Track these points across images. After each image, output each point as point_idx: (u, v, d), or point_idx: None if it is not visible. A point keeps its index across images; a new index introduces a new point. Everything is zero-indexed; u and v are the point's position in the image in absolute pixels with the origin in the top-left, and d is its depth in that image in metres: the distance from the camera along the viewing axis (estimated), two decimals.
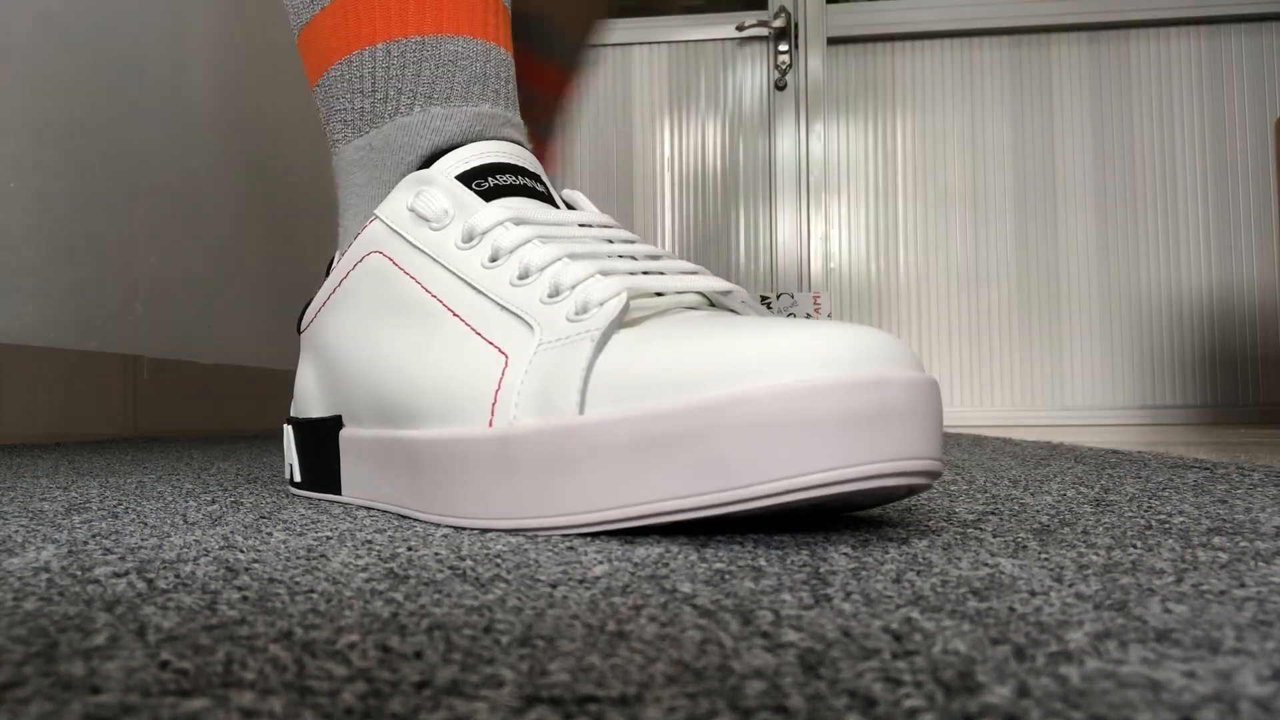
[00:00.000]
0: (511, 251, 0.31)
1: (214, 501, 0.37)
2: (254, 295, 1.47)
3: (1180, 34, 2.09)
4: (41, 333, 1.04)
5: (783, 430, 0.23)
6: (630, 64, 2.21)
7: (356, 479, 0.35)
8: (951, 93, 2.15)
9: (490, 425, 0.28)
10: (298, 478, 0.39)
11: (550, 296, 0.29)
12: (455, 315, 0.31)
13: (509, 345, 0.29)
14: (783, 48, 2.15)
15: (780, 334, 0.24)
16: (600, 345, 0.27)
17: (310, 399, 0.39)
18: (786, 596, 0.18)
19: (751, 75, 2.20)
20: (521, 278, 0.30)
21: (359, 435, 0.35)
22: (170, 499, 0.38)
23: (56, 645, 0.15)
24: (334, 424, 0.37)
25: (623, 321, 0.28)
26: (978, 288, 2.14)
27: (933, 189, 2.16)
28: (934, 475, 0.24)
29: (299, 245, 1.57)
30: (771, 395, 0.23)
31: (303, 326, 0.40)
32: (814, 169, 2.16)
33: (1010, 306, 2.13)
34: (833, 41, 2.17)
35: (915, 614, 0.17)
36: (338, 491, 0.36)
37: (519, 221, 0.32)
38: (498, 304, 0.30)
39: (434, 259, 0.33)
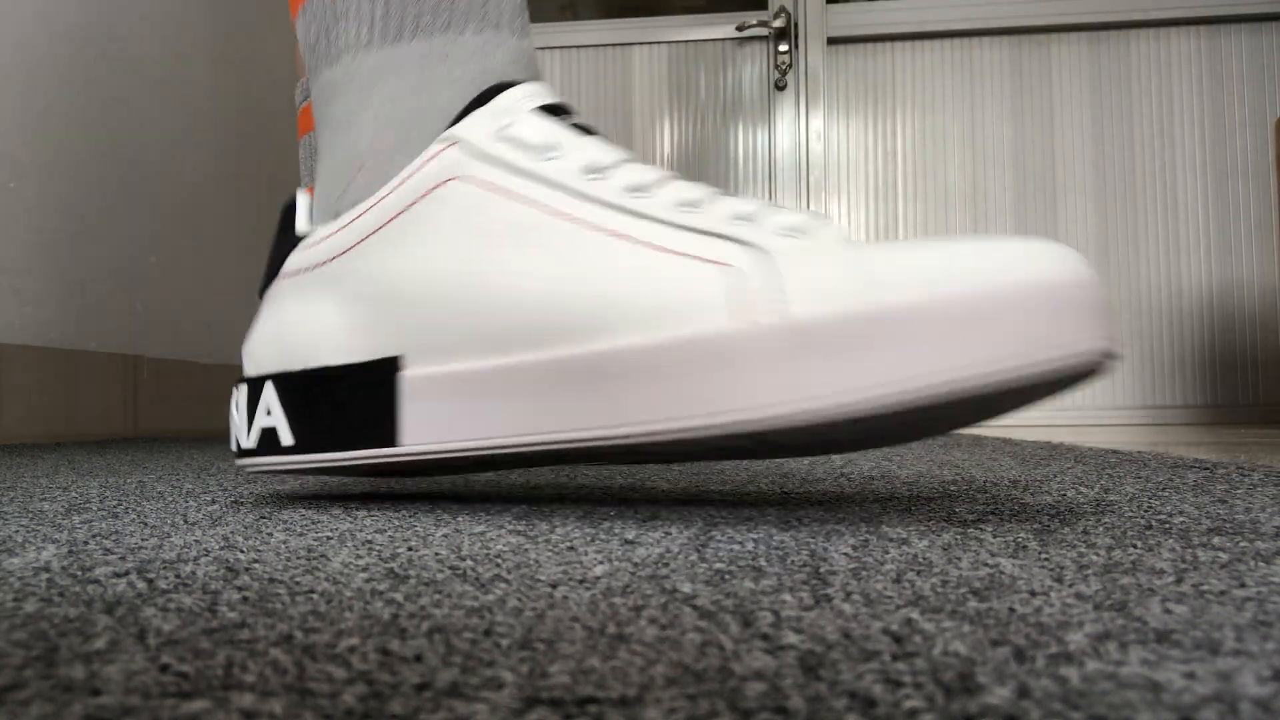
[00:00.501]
0: (655, 185, 0.31)
1: (214, 501, 0.37)
2: (254, 295, 1.47)
3: (1180, 34, 2.09)
4: (41, 333, 1.04)
5: (1065, 312, 0.26)
6: (630, 64, 2.21)
7: (442, 421, 0.31)
8: (951, 93, 2.15)
9: (739, 321, 0.27)
10: (288, 440, 0.34)
11: (739, 219, 0.30)
12: (619, 235, 0.30)
13: (705, 253, 0.29)
14: (783, 48, 2.15)
15: (1010, 242, 0.27)
16: (852, 244, 0.28)
17: (326, 344, 0.34)
18: (786, 597, 0.18)
19: (751, 75, 2.20)
20: (683, 205, 0.31)
21: (455, 371, 0.31)
22: (170, 499, 0.38)
23: (57, 647, 0.15)
24: (385, 367, 0.33)
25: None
26: None
27: (933, 189, 2.16)
28: (1108, 359, 0.27)
29: None
30: (1057, 281, 0.26)
31: (311, 263, 0.35)
32: (814, 169, 2.16)
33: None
34: (833, 41, 2.17)
35: (915, 615, 0.17)
36: (385, 442, 0.32)
37: (630, 159, 0.32)
38: (671, 224, 0.30)
39: (560, 189, 0.31)
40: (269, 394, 0.35)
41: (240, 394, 0.36)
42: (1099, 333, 0.26)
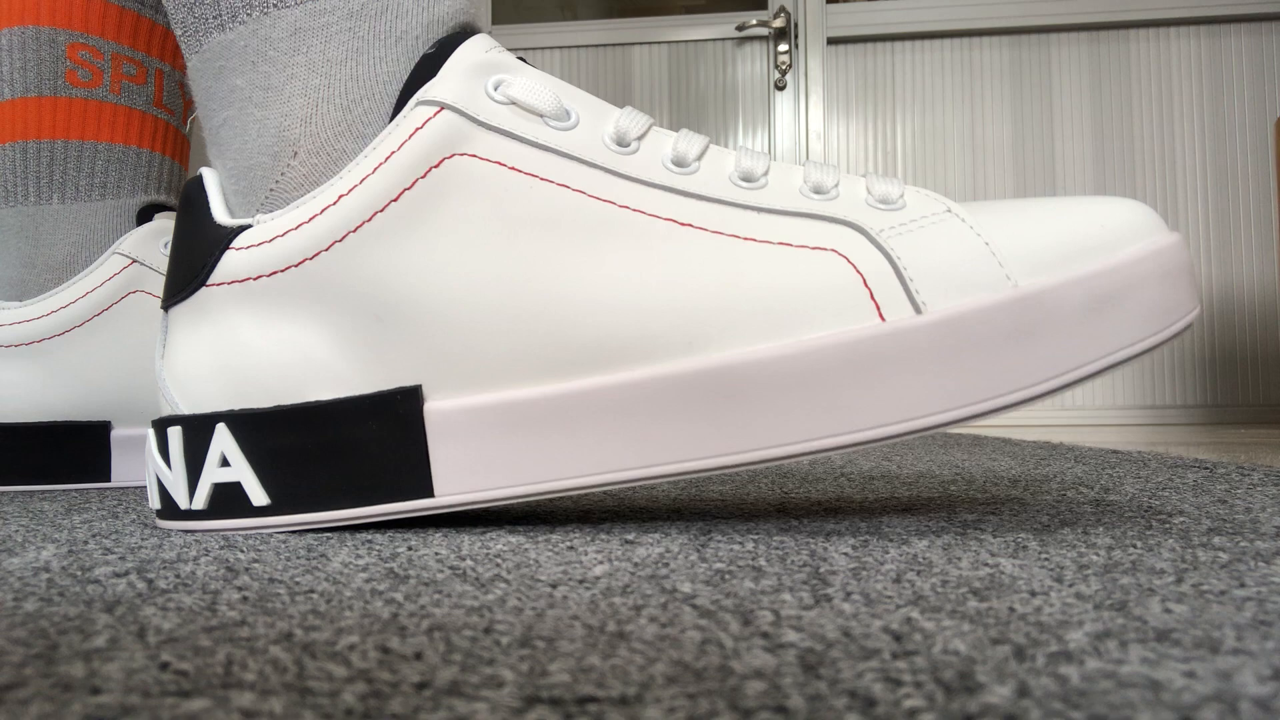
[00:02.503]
0: (699, 157, 0.28)
1: None
2: None
3: (1180, 34, 2.09)
4: None
5: (1176, 278, 0.27)
6: (630, 64, 2.21)
7: (490, 463, 0.26)
8: (951, 92, 2.15)
9: (883, 319, 0.25)
10: (260, 499, 0.27)
11: (818, 193, 0.27)
12: (698, 228, 0.26)
13: (825, 242, 0.26)
14: (783, 48, 2.15)
15: (1107, 204, 0.27)
16: (948, 213, 0.27)
17: (310, 373, 0.27)
18: (786, 596, 0.18)
19: (751, 75, 2.20)
20: (747, 180, 0.27)
21: (504, 400, 0.26)
22: None
23: (57, 646, 0.15)
24: (405, 400, 0.27)
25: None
26: None
27: (933, 189, 2.16)
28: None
29: None
30: (1165, 249, 0.26)
31: (266, 267, 0.28)
32: None
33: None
34: (833, 41, 2.17)
35: (915, 614, 0.17)
36: (416, 493, 0.27)
37: (653, 124, 0.29)
38: (760, 209, 0.27)
39: (595, 165, 0.27)
40: (223, 439, 0.28)
41: (171, 438, 0.28)
42: (1196, 293, 0.28)
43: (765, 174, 0.28)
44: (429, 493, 0.27)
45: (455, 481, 0.27)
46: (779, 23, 2.15)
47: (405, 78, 0.28)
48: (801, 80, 2.17)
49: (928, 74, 2.17)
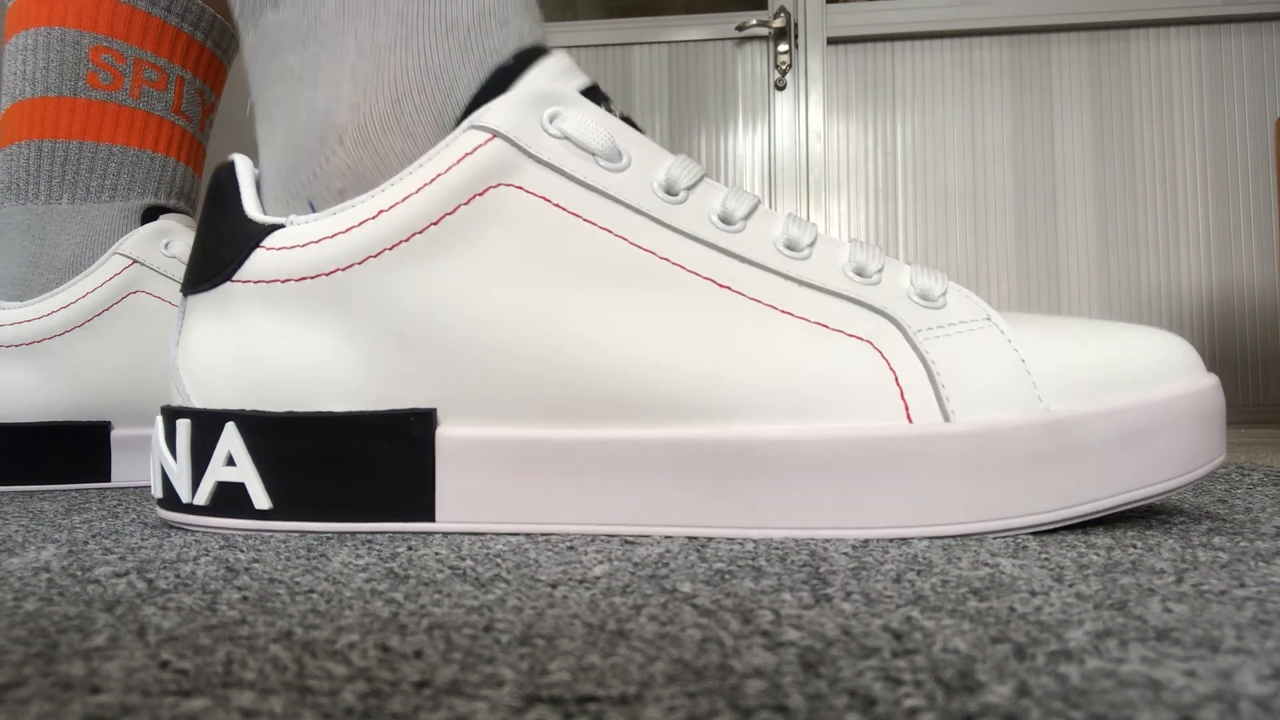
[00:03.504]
0: (747, 217, 0.27)
1: None
2: None
3: (1180, 34, 2.09)
4: None
5: (1208, 422, 0.27)
6: (630, 64, 2.21)
7: (492, 495, 0.26)
8: (951, 93, 2.15)
9: (911, 421, 0.25)
10: (263, 503, 0.27)
11: (860, 275, 0.27)
12: (735, 292, 0.26)
13: (862, 331, 0.26)
14: (783, 48, 2.15)
15: (1151, 338, 0.27)
16: (1006, 332, 0.27)
17: (326, 384, 0.27)
18: (787, 596, 0.18)
19: (751, 75, 2.20)
20: (791, 248, 0.27)
21: (517, 436, 0.26)
22: None
23: (57, 645, 0.15)
24: (419, 422, 0.27)
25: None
26: (978, 287, 2.14)
27: (933, 189, 2.16)
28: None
29: None
30: (1201, 392, 0.27)
31: (296, 272, 0.27)
32: (814, 169, 2.16)
33: (1010, 306, 2.13)
34: (833, 41, 2.17)
35: (915, 613, 0.17)
36: (417, 516, 0.27)
37: (704, 175, 0.28)
38: (800, 282, 0.27)
39: (636, 210, 0.26)
40: (231, 438, 0.27)
41: (179, 430, 0.28)
42: (1223, 441, 0.28)
43: (811, 245, 0.28)
44: (430, 516, 0.27)
45: (458, 509, 0.27)
46: (779, 23, 2.15)
47: (456, 71, 0.28)
48: (801, 80, 2.17)
49: (928, 74, 2.17)
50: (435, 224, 0.26)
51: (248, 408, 0.28)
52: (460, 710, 0.12)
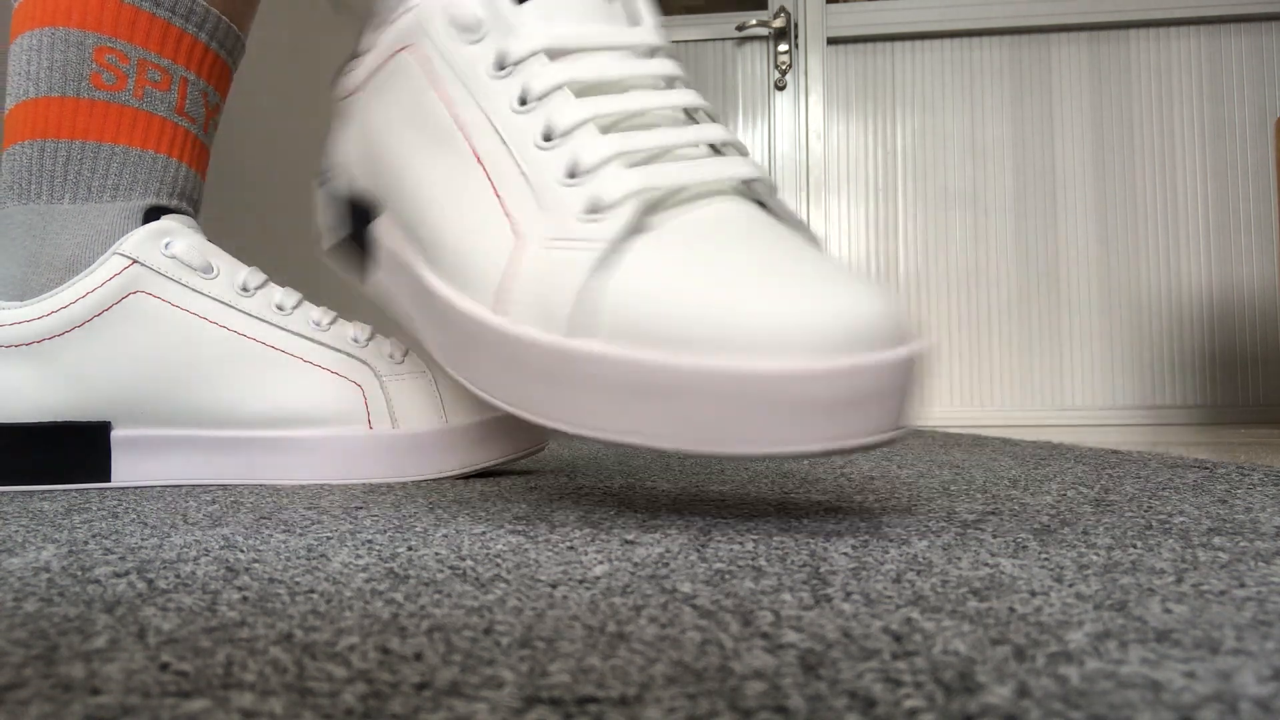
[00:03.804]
0: (541, 99, 0.29)
1: (214, 501, 0.37)
2: None
3: (1180, 34, 2.09)
4: None
5: (759, 408, 0.24)
6: None
7: (385, 275, 0.35)
8: (951, 93, 2.15)
9: (494, 312, 0.28)
10: (329, 242, 0.41)
11: (568, 177, 0.28)
12: (479, 162, 0.29)
13: (523, 224, 0.28)
14: (783, 48, 2.15)
15: (778, 298, 0.24)
16: (598, 265, 0.26)
17: (354, 167, 0.37)
18: (786, 597, 0.18)
19: (751, 75, 2.20)
20: (546, 139, 0.28)
21: (393, 235, 0.34)
22: (170, 499, 0.38)
23: (57, 646, 0.15)
24: (373, 208, 0.35)
25: (636, 227, 0.27)
26: (978, 288, 2.14)
27: (933, 189, 2.16)
28: (889, 443, 0.25)
29: (287, 244, 1.57)
30: (756, 376, 0.24)
31: (342, 91, 0.38)
32: (814, 169, 2.16)
33: (1010, 306, 2.13)
34: (833, 41, 2.17)
35: (915, 614, 0.17)
36: (363, 273, 0.38)
37: (557, 53, 0.29)
38: (519, 166, 0.29)
39: (464, 85, 0.30)
40: (319, 197, 0.42)
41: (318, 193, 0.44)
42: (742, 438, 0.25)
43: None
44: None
45: (378, 275, 0.37)
46: (779, 23, 2.15)
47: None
48: (801, 80, 2.17)
49: (928, 74, 2.17)
50: (378, 70, 0.34)
51: (331, 180, 0.40)
52: (460, 711, 0.12)
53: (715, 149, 0.30)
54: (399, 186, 0.33)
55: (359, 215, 0.38)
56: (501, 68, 0.29)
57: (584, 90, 0.29)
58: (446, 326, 0.31)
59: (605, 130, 0.29)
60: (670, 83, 0.31)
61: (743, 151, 0.30)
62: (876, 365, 0.24)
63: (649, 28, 0.31)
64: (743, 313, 0.24)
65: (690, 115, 0.31)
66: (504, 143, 0.29)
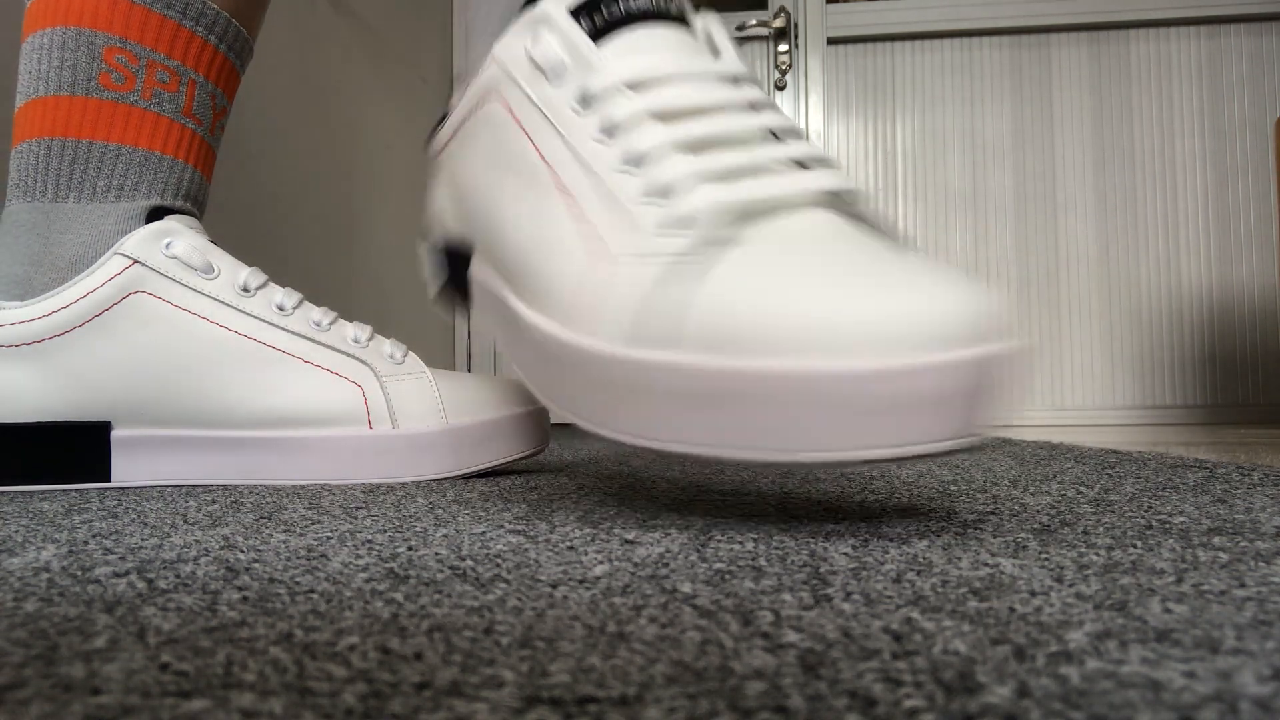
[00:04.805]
0: (622, 126, 0.30)
1: (214, 501, 0.37)
2: None
3: (1180, 34, 2.09)
4: None
5: (822, 409, 0.23)
6: None
7: (479, 310, 0.37)
8: (951, 93, 2.15)
9: (577, 331, 0.28)
10: (433, 290, 0.42)
11: (649, 196, 0.28)
12: (564, 189, 0.30)
13: (604, 242, 0.29)
14: (783, 48, 2.15)
15: (854, 298, 0.24)
16: (682, 277, 0.27)
17: (447, 217, 0.39)
18: (787, 597, 0.18)
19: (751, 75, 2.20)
20: (628, 162, 0.29)
21: (483, 270, 0.36)
22: (170, 499, 0.38)
23: (57, 646, 0.15)
24: (467, 250, 0.37)
25: (723, 240, 0.27)
26: None
27: (933, 188, 2.16)
28: (960, 451, 0.24)
29: (289, 245, 1.58)
30: (819, 376, 0.23)
31: (434, 149, 0.40)
32: None
33: (1010, 306, 2.12)
34: (833, 41, 2.17)
35: (915, 614, 0.17)
36: (467, 312, 0.40)
37: (638, 84, 0.30)
38: (600, 189, 0.29)
39: (550, 121, 0.31)
40: (423, 250, 0.48)
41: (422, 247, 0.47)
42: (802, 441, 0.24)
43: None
44: (469, 314, 0.39)
45: (476, 315, 0.38)
46: (779, 23, 2.15)
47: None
48: (801, 80, 2.17)
49: (928, 74, 2.17)
50: (464, 121, 0.36)
51: (434, 234, 0.41)
52: (460, 711, 0.12)
53: (803, 165, 0.30)
54: (487, 223, 0.34)
55: (456, 260, 0.39)
56: (584, 103, 0.30)
57: (666, 116, 0.30)
58: (533, 349, 0.31)
59: (688, 151, 0.29)
60: (755, 107, 0.31)
61: (832, 165, 0.30)
62: (938, 365, 0.22)
63: (730, 58, 0.32)
64: (817, 313, 0.23)
65: (776, 136, 0.31)
66: (587, 170, 0.30)
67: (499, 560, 0.23)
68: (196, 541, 0.26)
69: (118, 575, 0.21)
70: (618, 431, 0.28)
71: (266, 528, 0.29)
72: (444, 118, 0.39)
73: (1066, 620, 0.16)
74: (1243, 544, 0.24)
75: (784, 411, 0.24)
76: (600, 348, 0.27)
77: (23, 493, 0.42)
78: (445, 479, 0.45)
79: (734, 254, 0.26)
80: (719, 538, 0.26)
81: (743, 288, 0.25)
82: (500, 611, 0.17)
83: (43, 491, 0.43)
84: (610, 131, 0.30)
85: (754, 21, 2.16)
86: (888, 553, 0.23)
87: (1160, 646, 0.14)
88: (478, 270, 0.36)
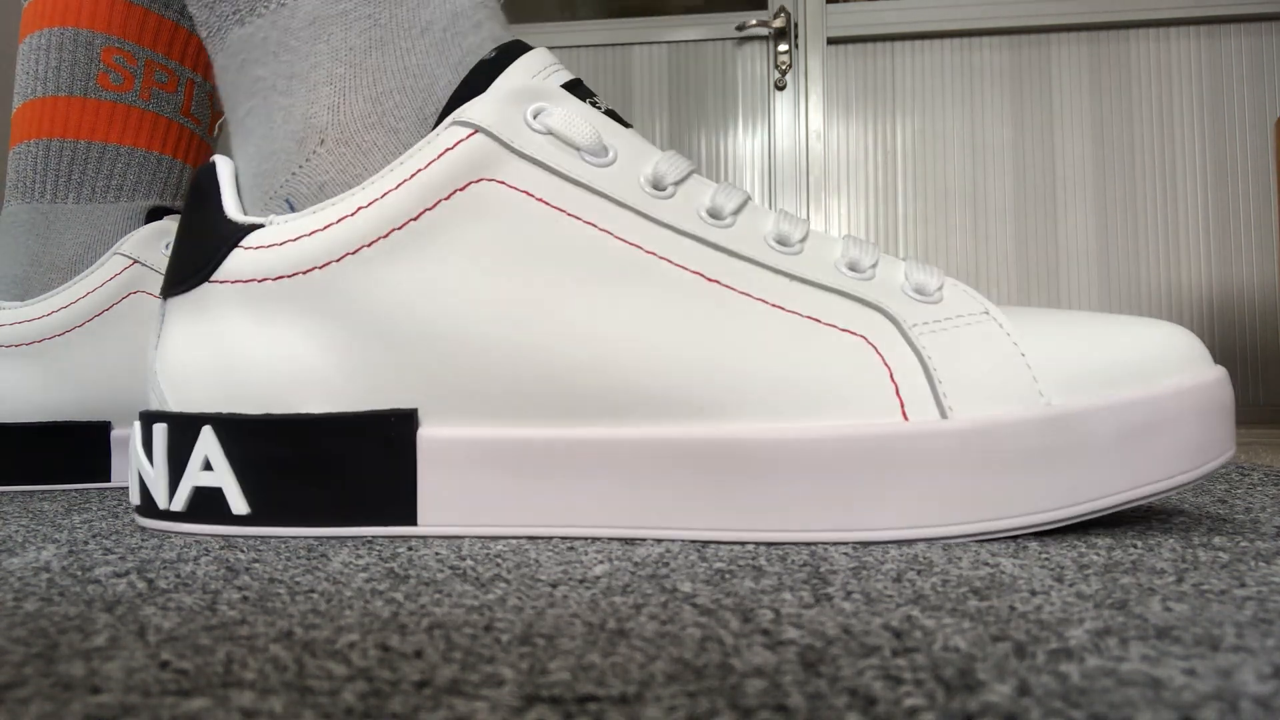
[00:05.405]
0: (737, 213, 0.27)
1: None
2: None
3: (1180, 34, 2.09)
4: None
5: (1215, 416, 0.26)
6: (630, 64, 2.21)
7: (475, 497, 0.26)
8: (951, 93, 2.15)
9: (906, 418, 0.24)
10: (240, 508, 0.27)
11: (853, 270, 0.27)
12: (725, 286, 0.26)
13: (856, 326, 0.25)
14: (783, 48, 2.15)
15: (1154, 330, 0.27)
16: (986, 315, 0.26)
17: (304, 384, 0.27)
18: (787, 595, 0.18)
19: (751, 75, 2.20)
20: (782, 243, 0.27)
21: (504, 436, 0.26)
22: None
23: (57, 645, 0.15)
24: (400, 422, 0.26)
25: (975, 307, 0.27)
26: (978, 287, 2.14)
27: (933, 189, 2.16)
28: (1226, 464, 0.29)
29: None
30: (1207, 385, 0.26)
31: (274, 270, 0.27)
32: (814, 169, 2.16)
33: (1010, 306, 2.13)
34: (833, 41, 2.17)
35: (916, 612, 0.17)
36: (399, 519, 0.26)
37: (692, 169, 0.28)
38: (792, 277, 0.26)
39: (621, 204, 0.26)
40: (208, 442, 0.27)
41: (156, 435, 0.28)
42: (1232, 436, 0.27)
43: (803, 240, 0.27)
44: (412, 520, 0.26)
45: (440, 512, 0.26)
46: (779, 23, 2.15)
47: (435, 70, 0.28)
48: (801, 80, 2.17)
49: (928, 74, 2.17)
50: (415, 219, 0.26)
51: (225, 410, 0.27)
52: (460, 710, 0.12)
53: None
54: (520, 350, 0.26)
55: (342, 449, 0.27)
56: (661, 188, 0.27)
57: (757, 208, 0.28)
58: (818, 469, 0.24)
59: (822, 236, 0.29)
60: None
61: None
62: (1220, 379, 0.26)
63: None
64: (1166, 341, 0.26)
65: None
66: (737, 256, 0.26)
67: (499, 560, 0.23)
68: (196, 541, 0.26)
69: (118, 575, 0.21)
70: (1032, 513, 0.24)
71: None
72: (212, 222, 0.28)
73: (1067, 618, 0.16)
74: (1243, 544, 0.24)
75: (1203, 421, 0.26)
76: (1039, 413, 0.24)
77: (23, 493, 0.42)
78: None
79: (1010, 312, 0.27)
80: (717, 540, 0.26)
81: (1062, 332, 0.26)
82: (500, 610, 0.17)
83: (43, 491, 0.43)
84: (720, 215, 0.27)
85: (754, 21, 2.16)
86: (888, 552, 0.23)
87: (1160, 644, 0.14)
88: (443, 434, 0.26)
